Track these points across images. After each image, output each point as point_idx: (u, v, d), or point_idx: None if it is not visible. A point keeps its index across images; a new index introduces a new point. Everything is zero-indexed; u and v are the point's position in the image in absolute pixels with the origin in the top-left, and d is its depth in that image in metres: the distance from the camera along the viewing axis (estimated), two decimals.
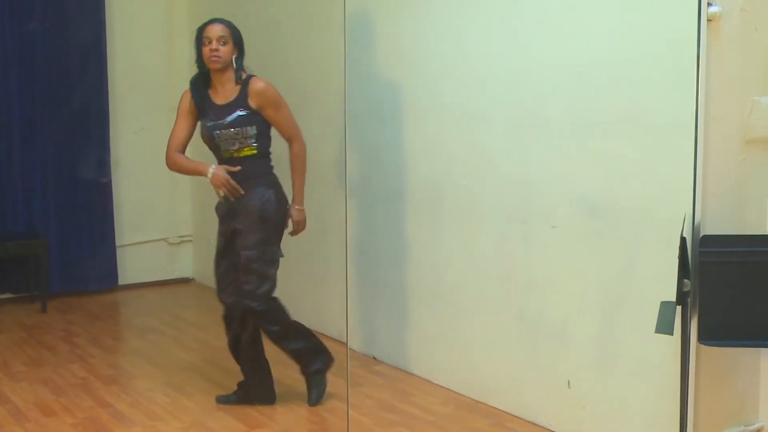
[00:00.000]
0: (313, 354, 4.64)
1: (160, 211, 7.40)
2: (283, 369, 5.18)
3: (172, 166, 4.56)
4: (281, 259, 4.52)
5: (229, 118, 4.38)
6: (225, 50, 4.39)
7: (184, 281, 7.57)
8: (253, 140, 4.42)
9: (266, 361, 4.67)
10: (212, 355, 5.46)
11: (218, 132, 4.39)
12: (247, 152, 4.43)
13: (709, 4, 3.29)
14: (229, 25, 4.48)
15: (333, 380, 4.92)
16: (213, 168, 4.41)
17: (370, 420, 4.44)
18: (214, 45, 4.38)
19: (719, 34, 3.39)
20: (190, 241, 7.57)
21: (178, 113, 4.58)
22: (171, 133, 4.57)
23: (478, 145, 4.55)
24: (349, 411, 4.40)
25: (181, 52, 7.37)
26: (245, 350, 4.62)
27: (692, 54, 3.22)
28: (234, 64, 4.44)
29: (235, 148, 4.41)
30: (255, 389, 4.66)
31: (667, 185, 3.63)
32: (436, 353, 4.92)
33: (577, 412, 4.14)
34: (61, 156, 6.86)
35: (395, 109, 5.06)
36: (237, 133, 4.39)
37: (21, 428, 4.33)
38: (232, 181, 4.39)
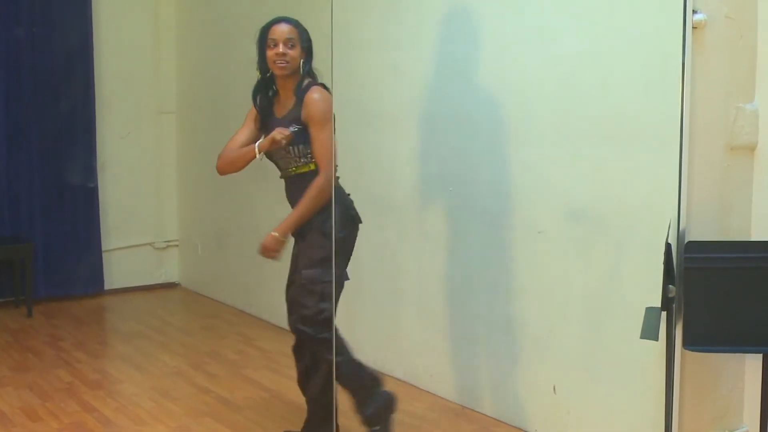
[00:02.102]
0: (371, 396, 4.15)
1: (147, 215, 7.40)
2: (267, 373, 5.19)
3: (221, 167, 4.12)
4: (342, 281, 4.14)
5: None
6: (293, 54, 3.91)
7: (171, 286, 7.55)
8: (309, 157, 3.91)
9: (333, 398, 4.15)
10: (198, 360, 5.46)
11: (272, 150, 3.95)
12: (304, 169, 3.94)
13: (694, 12, 3.31)
14: (297, 25, 4.00)
15: None
16: (261, 139, 3.94)
17: (356, 424, 4.44)
18: (281, 48, 3.89)
19: (704, 42, 3.41)
20: (177, 245, 7.56)
21: (247, 119, 4.11)
22: (233, 136, 4.14)
23: (463, 152, 4.56)
24: (337, 416, 4.40)
25: (168, 56, 7.39)
26: (310, 382, 4.19)
27: (677, 61, 3.24)
28: (301, 70, 3.94)
29: (289, 166, 3.96)
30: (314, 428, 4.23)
31: (652, 191, 3.65)
32: (422, 358, 4.93)
33: (562, 418, 4.15)
34: (47, 160, 6.85)
35: (380, 116, 5.07)
36: (289, 152, 3.92)
37: None
38: (283, 134, 3.85)
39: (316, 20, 5.60)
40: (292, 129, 3.86)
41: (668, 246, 3.13)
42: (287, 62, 3.89)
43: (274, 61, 3.89)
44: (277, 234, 3.97)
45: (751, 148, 3.63)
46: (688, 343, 3.25)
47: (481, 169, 4.47)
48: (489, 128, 4.41)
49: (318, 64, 5.42)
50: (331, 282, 3.96)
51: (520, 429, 4.35)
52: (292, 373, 5.16)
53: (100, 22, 7.06)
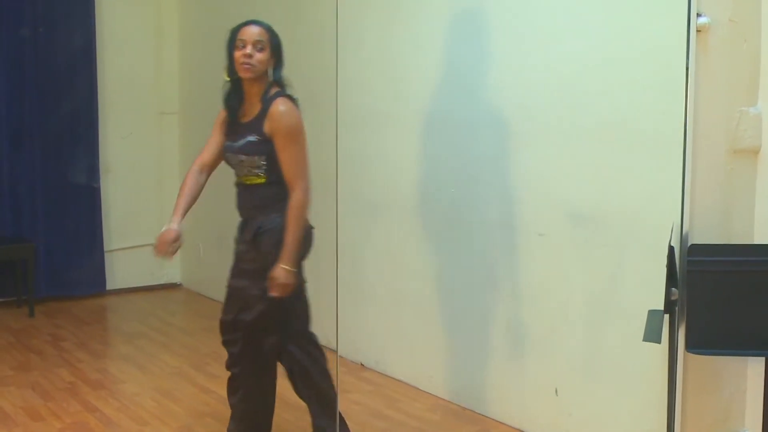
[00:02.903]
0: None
1: (149, 216, 7.38)
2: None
3: (183, 182, 4.03)
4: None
5: (241, 143, 3.81)
6: (260, 57, 3.76)
7: (172, 287, 7.56)
8: (262, 170, 3.80)
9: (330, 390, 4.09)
10: (200, 360, 5.46)
11: (228, 155, 3.89)
12: (255, 181, 3.84)
13: (698, 15, 3.31)
14: (268, 29, 3.86)
15: None
16: (165, 227, 3.94)
17: (358, 426, 4.44)
18: (249, 50, 3.74)
19: (708, 45, 3.41)
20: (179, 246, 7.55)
21: (213, 127, 4.02)
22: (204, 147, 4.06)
23: (465, 154, 4.56)
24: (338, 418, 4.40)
25: (170, 57, 7.39)
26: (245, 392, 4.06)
27: (681, 64, 3.24)
28: (269, 76, 3.84)
29: (244, 174, 3.85)
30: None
31: (654, 194, 3.65)
32: (424, 360, 4.93)
33: (564, 420, 4.15)
34: (49, 161, 6.86)
35: (384, 117, 5.07)
36: (243, 161, 3.81)
37: None
38: (163, 247, 3.92)
39: (319, 22, 5.63)
40: (249, 139, 3.77)
41: (671, 249, 3.13)
42: (253, 65, 3.75)
43: (241, 63, 3.75)
44: (287, 267, 3.77)
45: (755, 152, 3.63)
46: (690, 346, 3.25)
47: (483, 171, 4.47)
48: (491, 131, 4.41)
49: (322, 65, 5.44)
50: (300, 294, 3.96)
51: (521, 431, 4.36)
52: None
53: (103, 23, 7.07)
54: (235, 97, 3.87)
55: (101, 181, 7.10)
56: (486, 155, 4.45)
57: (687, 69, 3.24)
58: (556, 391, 4.17)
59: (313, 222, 5.76)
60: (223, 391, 4.87)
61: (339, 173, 4.88)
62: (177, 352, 5.72)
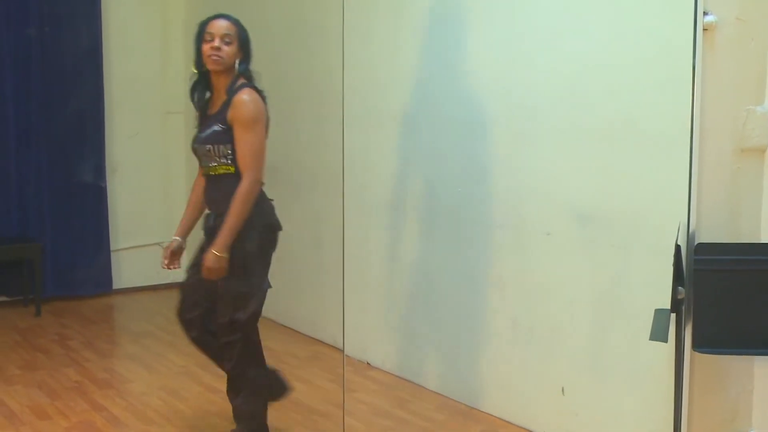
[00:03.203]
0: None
1: (155, 215, 7.39)
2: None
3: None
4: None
5: (206, 133, 3.89)
6: (228, 51, 3.83)
7: (178, 287, 7.54)
8: (229, 159, 3.86)
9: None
10: (206, 359, 5.45)
11: (195, 146, 3.96)
12: (222, 170, 3.89)
13: (705, 14, 3.30)
14: (236, 23, 3.91)
15: (328, 386, 4.94)
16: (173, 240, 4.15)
17: (365, 426, 4.45)
18: (217, 43, 3.82)
19: (715, 44, 3.40)
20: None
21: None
22: None
23: (472, 153, 4.56)
24: (344, 417, 4.41)
25: (176, 57, 7.39)
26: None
27: (687, 63, 3.23)
28: (237, 69, 3.90)
29: (212, 164, 3.90)
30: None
31: (661, 193, 3.65)
32: (430, 359, 4.93)
33: (570, 419, 4.15)
34: (56, 160, 6.87)
35: (389, 117, 5.07)
36: (210, 150, 3.87)
37: (15, 431, 4.33)
38: (167, 259, 4.18)
39: (325, 21, 5.63)
40: (215, 128, 3.86)
41: (678, 248, 3.12)
42: (221, 57, 3.82)
43: (209, 55, 3.82)
44: (217, 252, 3.81)
45: (762, 150, 3.62)
46: (697, 345, 3.24)
47: (489, 170, 4.47)
48: (498, 130, 4.41)
49: (328, 64, 5.45)
50: (249, 291, 3.98)
51: (527, 430, 4.35)
52: (300, 373, 5.19)
53: (109, 23, 7.07)
54: (201, 89, 3.98)
55: (107, 180, 7.11)
56: (492, 155, 4.45)
57: (693, 68, 3.23)
58: (563, 390, 4.17)
59: (318, 220, 5.80)
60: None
61: (345, 172, 4.88)
62: (184, 351, 5.70)
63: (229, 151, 3.85)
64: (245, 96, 3.85)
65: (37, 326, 6.28)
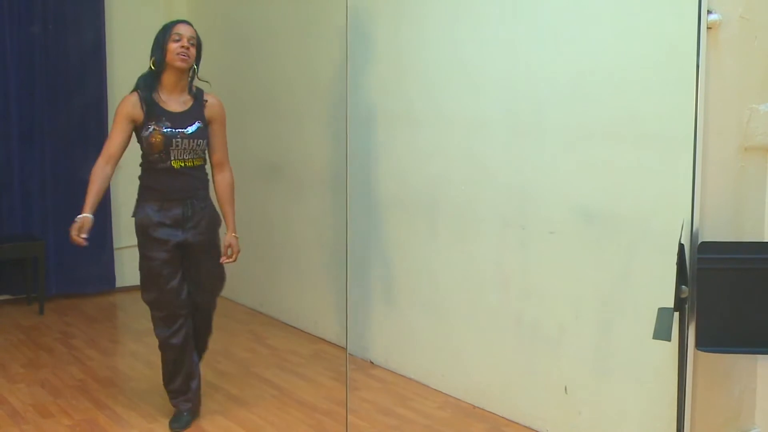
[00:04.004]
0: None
1: None
2: (278, 372, 5.20)
3: (92, 177, 4.42)
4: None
5: (191, 129, 4.26)
6: (193, 52, 4.27)
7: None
8: (203, 152, 4.34)
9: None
10: (209, 357, 5.45)
11: (177, 140, 4.23)
12: (198, 162, 4.33)
13: (708, 12, 3.30)
14: (196, 31, 4.36)
15: (331, 384, 4.94)
16: (80, 217, 4.33)
17: (368, 424, 4.45)
18: (185, 43, 4.22)
19: (719, 42, 3.41)
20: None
21: (118, 121, 4.32)
22: (108, 140, 4.40)
23: (475, 152, 4.56)
24: (347, 415, 4.41)
25: None
26: (189, 354, 4.48)
27: (691, 61, 3.24)
28: (196, 70, 4.36)
29: (188, 157, 4.27)
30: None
31: (665, 192, 3.64)
32: (434, 358, 4.93)
33: (573, 418, 4.15)
34: (59, 158, 6.86)
35: (393, 116, 5.07)
36: (195, 144, 4.27)
37: (18, 430, 4.33)
38: (75, 237, 4.35)
39: (330, 20, 5.63)
40: (198, 125, 4.28)
41: (681, 246, 3.12)
42: (189, 57, 4.23)
43: (178, 53, 4.20)
44: (236, 235, 4.47)
45: (765, 149, 3.63)
46: (700, 344, 3.24)
47: (493, 168, 4.47)
48: (502, 128, 4.41)
49: (333, 63, 5.45)
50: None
51: (531, 429, 4.35)
52: (303, 371, 5.20)
53: (112, 21, 7.08)
54: (154, 85, 4.30)
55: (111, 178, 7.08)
56: (496, 153, 4.45)
57: (697, 66, 3.23)
58: (566, 389, 4.17)
59: (321, 219, 5.80)
60: (233, 388, 4.90)
61: (349, 171, 4.88)
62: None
63: (206, 146, 4.33)
64: (217, 100, 4.43)
65: (40, 324, 6.28)
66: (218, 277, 4.54)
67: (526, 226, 4.31)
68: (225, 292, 7.10)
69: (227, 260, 4.44)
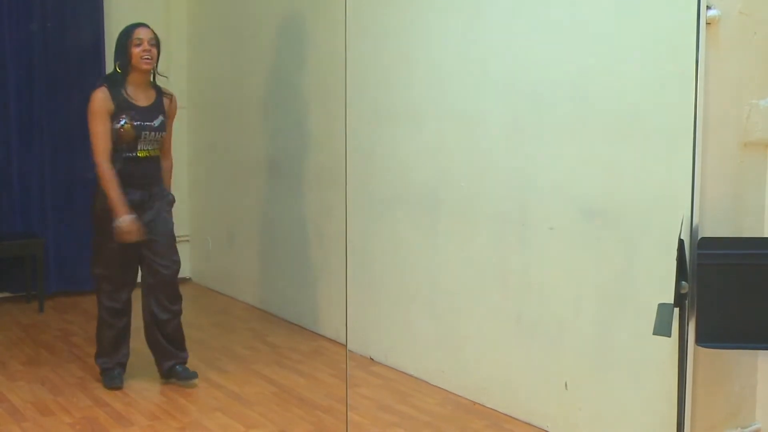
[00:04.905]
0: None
1: None
2: (277, 369, 5.20)
3: (105, 179, 4.69)
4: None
5: (157, 122, 4.78)
6: (155, 52, 4.72)
7: (182, 281, 7.51)
8: (160, 143, 4.85)
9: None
10: (209, 354, 5.47)
11: (146, 132, 4.73)
12: (156, 152, 4.83)
13: (708, 8, 3.30)
14: (153, 31, 4.76)
15: (331, 381, 4.94)
16: (128, 217, 4.65)
17: (368, 420, 4.45)
18: (146, 46, 4.67)
19: (718, 38, 3.40)
20: (187, 241, 7.55)
21: (97, 114, 4.69)
22: (98, 137, 4.69)
23: (476, 148, 4.56)
24: (347, 412, 4.41)
25: (178, 52, 7.39)
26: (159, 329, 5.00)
27: (691, 57, 3.23)
28: (157, 68, 4.81)
29: (152, 147, 4.78)
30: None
31: (664, 188, 3.64)
32: (433, 354, 4.93)
33: (573, 414, 4.15)
34: (58, 156, 6.85)
35: (393, 112, 5.07)
36: (159, 136, 4.80)
37: (18, 427, 4.33)
38: (138, 231, 4.71)
39: (329, 15, 5.62)
40: (162, 118, 4.80)
41: (681, 242, 3.12)
42: (152, 58, 4.70)
43: (141, 57, 4.66)
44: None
45: (765, 145, 3.62)
46: (700, 340, 3.24)
47: (493, 165, 4.46)
48: (501, 125, 4.40)
49: (331, 59, 5.45)
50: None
51: (531, 425, 4.35)
52: (303, 368, 5.20)
53: (111, 19, 7.06)
54: (123, 85, 4.73)
55: None
56: (496, 149, 4.45)
57: (697, 62, 3.22)
58: (566, 385, 4.17)
59: (321, 216, 5.79)
60: (233, 386, 4.90)
61: (348, 168, 4.88)
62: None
63: (163, 137, 4.85)
64: (175, 95, 5.00)
65: (40, 322, 6.28)
66: (173, 249, 4.96)
67: (526, 222, 4.31)
68: (225, 289, 7.14)
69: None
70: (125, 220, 4.64)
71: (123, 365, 5.01)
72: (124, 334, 5.00)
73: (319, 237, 5.88)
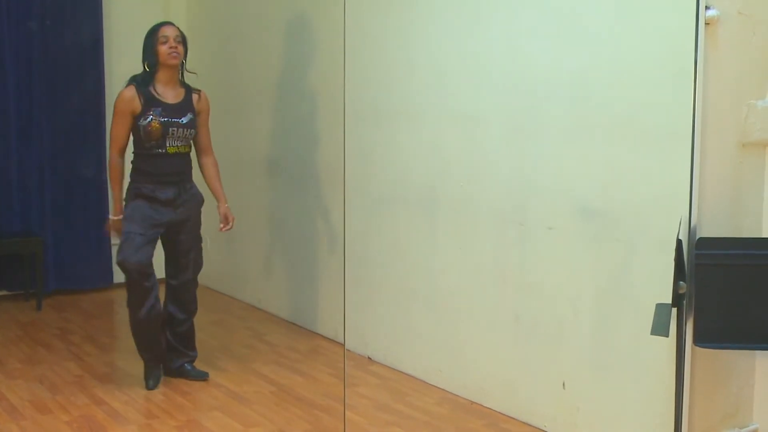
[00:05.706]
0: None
1: None
2: (276, 368, 5.20)
3: (113, 172, 4.86)
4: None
5: (185, 119, 4.79)
6: (181, 49, 4.75)
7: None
8: (191, 140, 4.88)
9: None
10: (208, 353, 5.46)
11: (174, 129, 4.75)
12: (186, 149, 4.85)
13: (707, 8, 3.30)
14: (178, 28, 4.82)
15: (329, 380, 4.94)
16: (117, 219, 4.83)
17: (366, 420, 4.45)
18: (173, 43, 4.71)
19: (717, 38, 3.40)
20: None
21: (120, 113, 4.74)
22: (115, 135, 4.79)
23: (475, 148, 4.56)
24: (345, 411, 4.41)
25: None
26: (158, 327, 4.99)
27: (690, 57, 3.23)
28: (184, 64, 4.85)
29: (181, 144, 4.79)
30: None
31: (663, 188, 3.64)
32: (432, 354, 4.93)
33: (571, 414, 4.15)
34: (57, 155, 6.85)
35: (392, 112, 5.07)
36: (187, 133, 4.80)
37: (16, 425, 4.33)
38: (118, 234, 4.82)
39: (328, 15, 5.62)
40: (191, 115, 4.81)
41: (679, 242, 3.12)
42: (179, 54, 4.75)
43: (168, 53, 4.71)
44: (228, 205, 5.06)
45: (763, 145, 3.63)
46: (698, 340, 3.25)
47: (492, 165, 4.46)
48: (501, 125, 4.40)
49: (330, 59, 5.44)
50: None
51: (529, 425, 4.35)
52: (301, 367, 5.20)
53: (111, 17, 7.06)
54: (151, 82, 4.77)
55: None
56: (495, 150, 4.45)
57: (695, 62, 3.23)
58: (564, 384, 4.17)
59: (321, 216, 5.80)
60: (231, 385, 4.90)
61: (347, 167, 4.88)
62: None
63: (194, 134, 4.86)
64: (204, 93, 4.95)
65: (38, 320, 6.28)
66: (199, 251, 5.02)
67: (524, 222, 4.31)
68: (224, 288, 7.14)
69: (226, 228, 5.04)
70: (113, 219, 4.85)
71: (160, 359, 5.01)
72: (156, 317, 4.93)
73: (317, 236, 5.88)
